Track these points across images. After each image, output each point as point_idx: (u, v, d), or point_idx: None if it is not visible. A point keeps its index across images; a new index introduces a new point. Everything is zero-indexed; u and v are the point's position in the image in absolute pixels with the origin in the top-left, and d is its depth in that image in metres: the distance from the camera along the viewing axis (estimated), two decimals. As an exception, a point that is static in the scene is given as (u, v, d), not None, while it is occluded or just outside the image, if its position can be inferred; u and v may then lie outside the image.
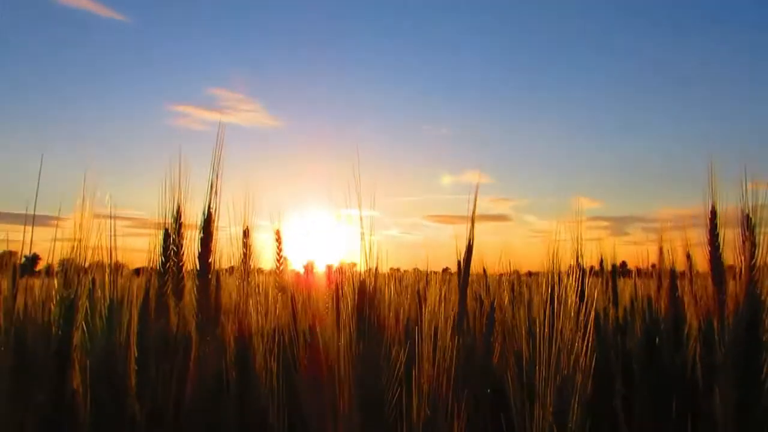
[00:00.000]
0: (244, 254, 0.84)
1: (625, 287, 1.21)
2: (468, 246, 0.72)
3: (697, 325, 0.67)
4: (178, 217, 0.76)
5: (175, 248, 0.75)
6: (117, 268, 1.02)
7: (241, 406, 0.64)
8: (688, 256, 0.90)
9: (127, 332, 0.74)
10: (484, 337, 0.72)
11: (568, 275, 0.91)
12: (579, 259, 1.08)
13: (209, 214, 0.67)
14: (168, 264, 0.73)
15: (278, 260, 1.05)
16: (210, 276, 0.67)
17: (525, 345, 0.60)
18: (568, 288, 0.48)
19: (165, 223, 0.74)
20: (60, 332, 0.59)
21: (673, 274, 0.81)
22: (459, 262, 0.82)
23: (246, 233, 0.86)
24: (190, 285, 0.75)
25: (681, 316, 0.76)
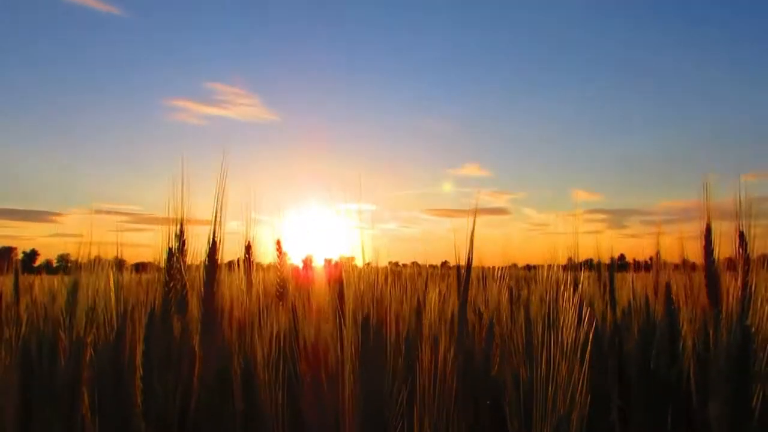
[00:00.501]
0: (247, 268, 0.86)
1: (623, 285, 1.22)
2: (467, 261, 0.74)
3: (692, 343, 0.69)
4: (180, 234, 0.77)
5: (178, 265, 0.76)
6: (119, 266, 1.04)
7: (246, 429, 0.65)
8: (684, 264, 0.92)
9: (132, 349, 0.75)
10: (483, 352, 0.73)
11: (566, 278, 0.92)
12: (576, 272, 1.10)
13: (214, 243, 0.68)
14: (172, 283, 0.74)
15: (278, 264, 1.06)
16: (215, 301, 0.68)
17: (523, 367, 0.62)
18: (566, 312, 0.49)
19: (169, 239, 0.76)
20: (70, 371, 0.60)
21: (668, 287, 0.82)
22: (458, 275, 0.83)
23: (248, 248, 0.87)
24: (194, 301, 0.76)
25: (677, 328, 0.77)
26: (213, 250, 0.67)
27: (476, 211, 0.79)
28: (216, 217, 0.67)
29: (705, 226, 0.77)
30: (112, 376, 0.69)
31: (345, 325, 0.69)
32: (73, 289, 0.85)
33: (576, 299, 0.51)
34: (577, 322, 0.54)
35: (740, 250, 0.67)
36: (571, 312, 0.49)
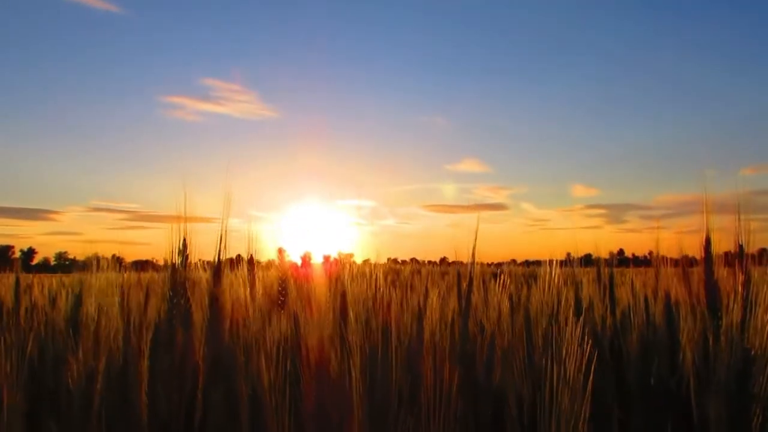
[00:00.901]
0: (251, 284, 0.86)
1: (623, 281, 1.22)
2: (469, 280, 0.74)
3: (692, 358, 0.70)
4: (184, 249, 0.78)
5: (183, 281, 0.77)
6: (119, 263, 1.04)
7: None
8: (683, 260, 0.93)
9: (137, 363, 0.76)
10: (485, 366, 0.74)
11: (566, 290, 0.93)
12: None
13: (219, 264, 0.69)
14: (176, 299, 0.75)
15: (279, 272, 1.06)
16: (222, 322, 0.69)
17: (525, 385, 0.63)
18: (569, 343, 0.50)
19: (173, 258, 0.76)
20: (80, 396, 0.61)
21: (668, 296, 0.83)
22: (459, 291, 0.84)
23: (251, 262, 0.88)
24: (199, 317, 0.77)
25: (676, 338, 0.78)
26: (218, 270, 0.67)
27: (477, 222, 0.80)
28: (221, 240, 0.67)
29: (704, 238, 0.77)
30: (119, 392, 0.69)
31: (350, 351, 0.69)
32: (76, 304, 0.86)
33: (579, 328, 0.51)
34: (580, 344, 0.54)
35: (739, 270, 0.68)
36: (574, 342, 0.50)
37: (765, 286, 0.65)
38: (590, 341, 0.50)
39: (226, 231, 0.68)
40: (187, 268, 0.77)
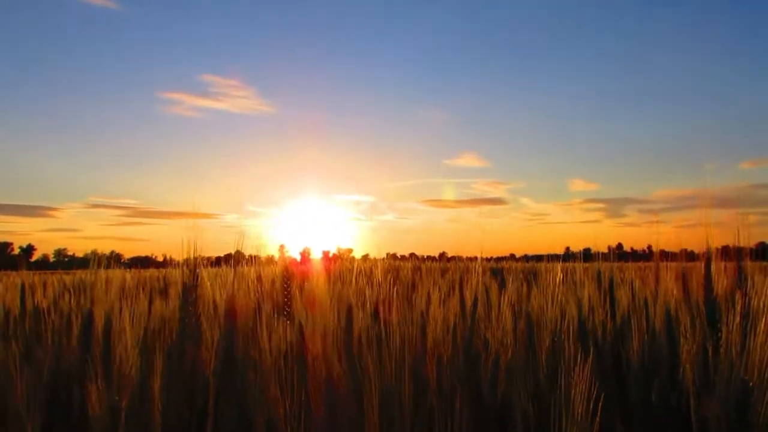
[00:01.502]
0: (258, 295, 0.88)
1: (623, 283, 1.24)
2: (474, 301, 0.76)
3: (692, 377, 0.71)
4: (194, 267, 0.79)
5: (194, 300, 0.78)
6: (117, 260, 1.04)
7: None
8: (682, 254, 0.95)
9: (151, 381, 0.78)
10: (489, 382, 0.76)
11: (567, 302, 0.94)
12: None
13: (233, 294, 0.70)
14: (188, 320, 0.76)
15: (283, 274, 1.07)
16: (234, 338, 0.70)
17: (530, 406, 0.65)
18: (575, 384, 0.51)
19: (183, 275, 0.78)
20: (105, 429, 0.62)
21: (668, 312, 0.84)
22: (462, 306, 0.86)
23: (259, 278, 0.89)
24: (209, 334, 0.78)
25: (676, 355, 0.80)
26: (232, 298, 0.69)
27: (481, 235, 0.81)
28: (235, 272, 0.69)
29: (705, 250, 0.79)
30: (136, 416, 0.71)
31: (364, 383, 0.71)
32: (87, 322, 0.87)
33: (587, 367, 0.53)
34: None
35: (741, 292, 0.69)
36: (582, 382, 0.51)
37: (764, 318, 0.66)
38: (597, 384, 0.52)
39: (241, 245, 0.69)
40: (197, 285, 0.78)
